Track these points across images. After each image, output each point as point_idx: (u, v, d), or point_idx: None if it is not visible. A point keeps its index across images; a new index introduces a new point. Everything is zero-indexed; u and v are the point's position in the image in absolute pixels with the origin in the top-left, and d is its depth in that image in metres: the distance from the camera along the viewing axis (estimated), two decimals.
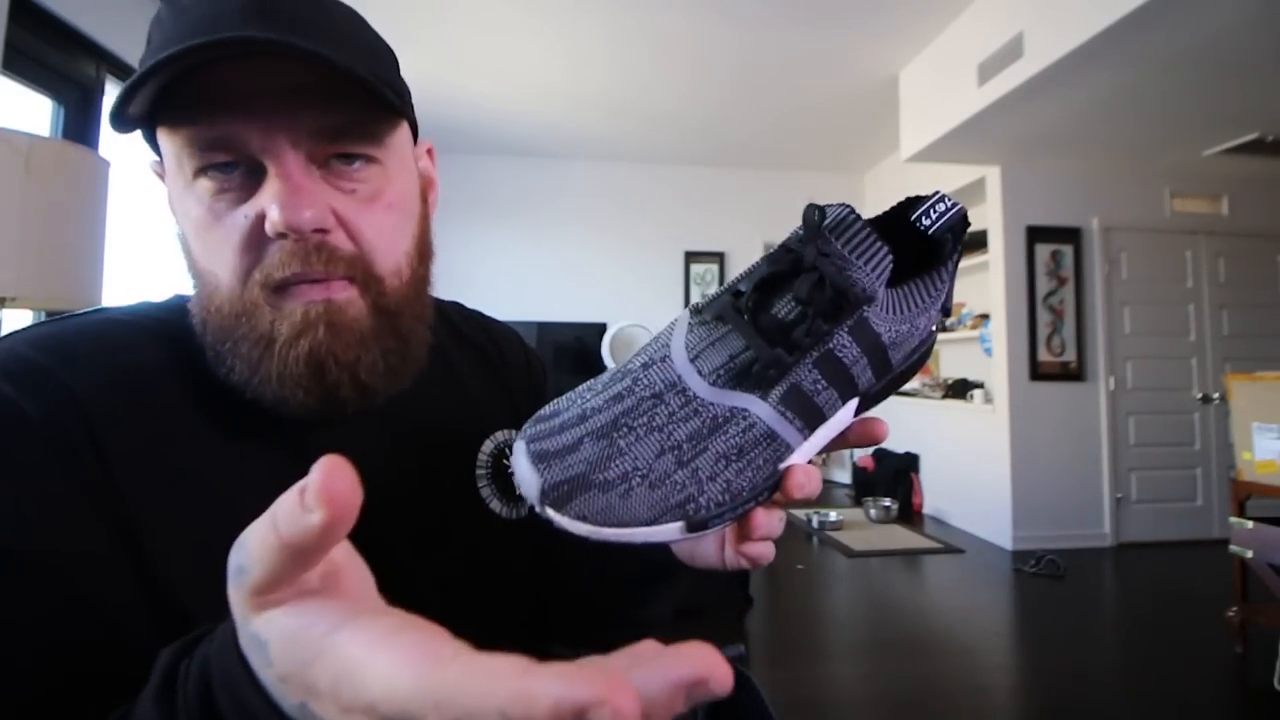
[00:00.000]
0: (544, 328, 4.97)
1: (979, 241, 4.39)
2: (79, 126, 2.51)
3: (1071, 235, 4.03)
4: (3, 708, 0.31)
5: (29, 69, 2.29)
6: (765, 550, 0.37)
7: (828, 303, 0.32)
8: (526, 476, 0.32)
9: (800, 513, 4.28)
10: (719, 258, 5.41)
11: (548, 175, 5.20)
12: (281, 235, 0.38)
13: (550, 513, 0.32)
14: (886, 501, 4.50)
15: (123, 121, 0.39)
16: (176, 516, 0.38)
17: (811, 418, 0.34)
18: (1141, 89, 2.92)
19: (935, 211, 0.35)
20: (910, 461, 4.86)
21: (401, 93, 0.42)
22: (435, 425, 0.51)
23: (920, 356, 0.38)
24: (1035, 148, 3.68)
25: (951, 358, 5.03)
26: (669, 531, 0.32)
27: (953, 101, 3.30)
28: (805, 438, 0.34)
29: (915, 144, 3.68)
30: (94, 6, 2.49)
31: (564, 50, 3.48)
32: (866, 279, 0.32)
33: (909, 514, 4.68)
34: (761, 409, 0.33)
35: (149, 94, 0.37)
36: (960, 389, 4.51)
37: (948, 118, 3.36)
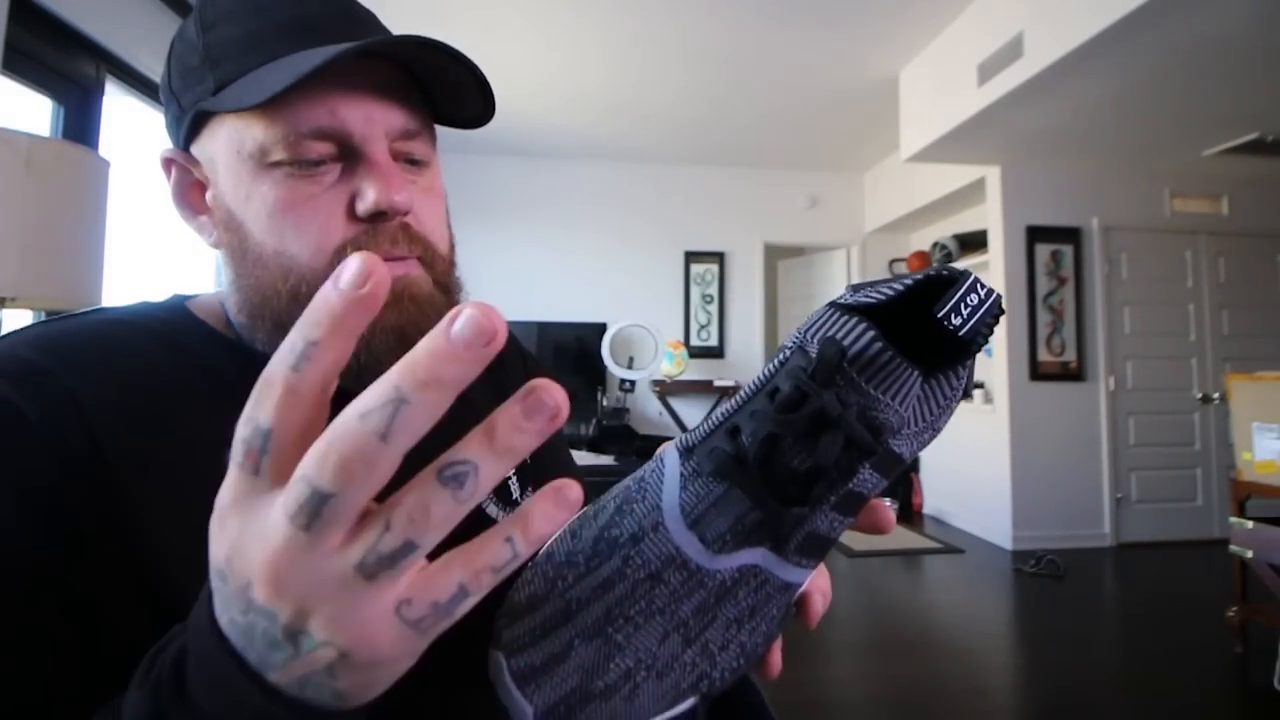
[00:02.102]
0: (544, 328, 4.97)
1: (979, 241, 4.40)
2: (79, 126, 2.51)
3: (1071, 235, 4.03)
4: None
5: (29, 69, 2.29)
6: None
7: (855, 458, 0.27)
8: (518, 706, 0.27)
9: None
10: (719, 258, 5.41)
11: (547, 175, 5.20)
12: (376, 215, 0.42)
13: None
14: (887, 501, 4.50)
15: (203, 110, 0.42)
16: (176, 520, 0.36)
17: (824, 552, 0.30)
18: (1141, 89, 2.92)
19: (967, 306, 0.27)
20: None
21: (488, 93, 0.47)
22: (440, 429, 0.48)
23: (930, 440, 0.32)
24: (1035, 148, 3.68)
25: None
26: (681, 709, 0.29)
27: (953, 101, 3.30)
28: (815, 566, 0.31)
29: (915, 144, 3.68)
30: (94, 6, 2.50)
31: (564, 50, 3.48)
32: (895, 416, 0.27)
33: (909, 514, 4.68)
34: (773, 563, 0.28)
35: (282, 80, 0.38)
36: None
37: (948, 118, 3.36)
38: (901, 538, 4.07)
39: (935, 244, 4.72)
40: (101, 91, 2.63)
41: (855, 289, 0.29)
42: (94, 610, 0.34)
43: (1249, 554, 2.17)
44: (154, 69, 2.88)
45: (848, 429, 0.26)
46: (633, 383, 4.78)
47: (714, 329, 5.38)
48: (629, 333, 4.91)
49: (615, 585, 0.28)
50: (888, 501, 4.48)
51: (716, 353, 5.37)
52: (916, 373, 0.27)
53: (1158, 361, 4.10)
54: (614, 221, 5.25)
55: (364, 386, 0.32)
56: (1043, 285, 3.99)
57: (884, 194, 5.26)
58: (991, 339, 0.30)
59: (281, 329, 0.39)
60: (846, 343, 0.27)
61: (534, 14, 3.15)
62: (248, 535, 0.21)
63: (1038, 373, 3.96)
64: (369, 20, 0.46)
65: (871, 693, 2.18)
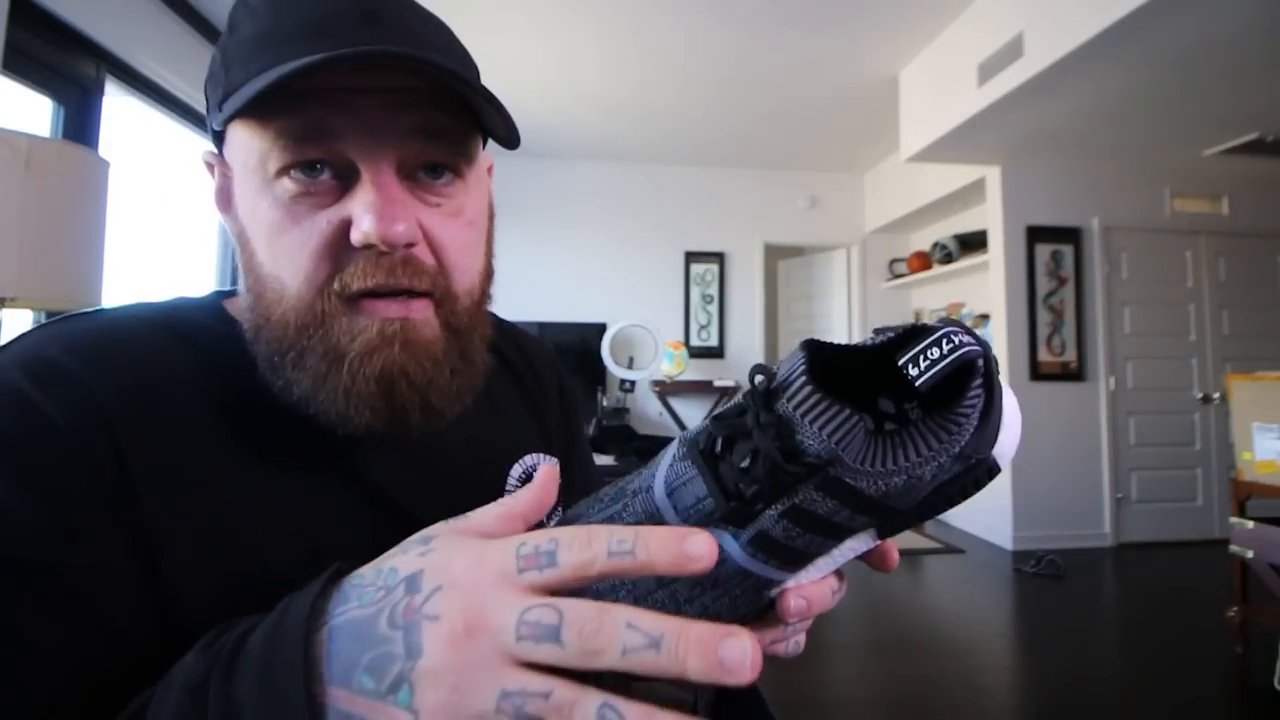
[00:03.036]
0: (544, 327, 4.97)
1: (979, 241, 4.40)
2: (79, 126, 2.51)
3: (1071, 235, 4.03)
4: (12, 715, 0.31)
5: (29, 69, 2.29)
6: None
7: (768, 471, 0.29)
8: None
9: None
10: (719, 258, 5.41)
11: (548, 175, 5.20)
12: (369, 246, 0.37)
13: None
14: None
15: (220, 116, 0.39)
16: (196, 532, 0.37)
17: (789, 559, 0.31)
18: (1141, 89, 2.92)
19: (927, 358, 0.27)
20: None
21: (503, 111, 0.40)
22: (469, 446, 0.50)
23: (961, 489, 0.31)
24: (1035, 148, 3.68)
25: None
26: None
27: (953, 101, 3.30)
28: (791, 574, 0.32)
29: (915, 144, 3.68)
30: (94, 6, 2.49)
31: (563, 51, 3.48)
32: (818, 444, 0.28)
33: None
34: (731, 546, 0.30)
35: (254, 89, 0.36)
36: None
37: (948, 118, 3.36)
38: (902, 537, 4.04)
39: (935, 244, 4.72)
40: (101, 91, 2.63)
41: (876, 332, 0.31)
42: (106, 621, 0.34)
43: (1249, 554, 2.17)
44: (154, 69, 2.88)
45: (758, 442, 0.29)
46: (633, 383, 4.78)
47: (714, 329, 5.38)
48: (629, 333, 4.91)
49: (614, 523, 0.32)
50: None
51: (716, 353, 5.37)
52: (842, 409, 0.28)
53: (1158, 361, 4.10)
54: (614, 221, 5.25)
55: (341, 423, 0.38)
56: (1043, 285, 3.99)
57: (884, 194, 5.26)
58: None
59: (270, 356, 0.39)
60: (779, 372, 0.29)
61: (534, 13, 3.15)
62: (463, 550, 0.27)
63: (1038, 373, 3.96)
64: (397, 20, 0.40)
65: (871, 693, 2.18)
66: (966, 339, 0.28)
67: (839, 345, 0.30)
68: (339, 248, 0.38)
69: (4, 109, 2.28)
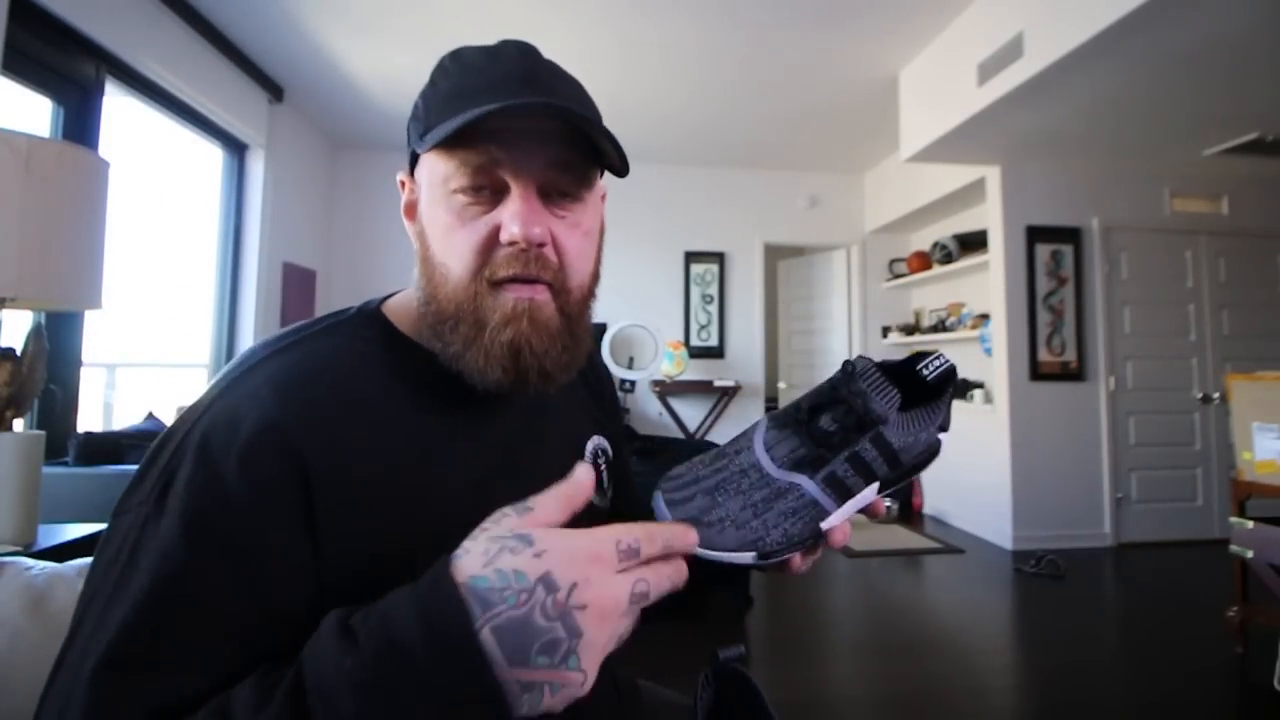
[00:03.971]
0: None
1: (979, 241, 4.39)
2: (79, 127, 2.51)
3: (1071, 235, 4.03)
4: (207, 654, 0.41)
5: (29, 69, 2.29)
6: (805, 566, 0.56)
7: (854, 423, 0.50)
8: (663, 513, 0.49)
9: None
10: (719, 258, 5.41)
11: None
12: (513, 243, 0.51)
13: (759, 561, 0.50)
14: (887, 501, 4.48)
15: (422, 146, 0.53)
16: (357, 514, 0.48)
17: (842, 494, 0.51)
18: (1141, 89, 2.92)
19: (932, 367, 0.53)
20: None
21: (620, 150, 0.54)
22: (559, 419, 0.67)
23: (927, 458, 0.54)
24: (1035, 148, 3.68)
25: (951, 358, 5.01)
26: (746, 557, 0.49)
27: (953, 101, 3.30)
28: (839, 506, 0.51)
29: (915, 144, 3.68)
30: (94, 6, 2.49)
31: (563, 51, 3.48)
32: (880, 408, 0.50)
33: (909, 514, 4.68)
34: (810, 485, 0.50)
35: (451, 128, 0.49)
36: (960, 389, 4.51)
37: (948, 118, 3.36)
38: (902, 538, 4.07)
39: (935, 244, 4.72)
40: (101, 92, 2.62)
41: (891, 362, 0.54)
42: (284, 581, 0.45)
43: (1249, 554, 2.17)
44: (154, 69, 2.88)
45: (849, 402, 0.50)
46: (633, 383, 4.78)
47: (714, 329, 5.38)
48: (629, 333, 4.91)
49: (722, 473, 0.50)
50: (887, 502, 4.48)
51: (716, 353, 5.37)
52: (895, 390, 0.50)
53: (1158, 361, 4.10)
54: (614, 221, 5.21)
55: (480, 379, 0.52)
56: (1043, 285, 3.99)
57: (884, 194, 5.26)
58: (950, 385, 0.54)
59: (434, 330, 0.54)
60: (858, 365, 0.51)
61: (532, 16, 3.16)
62: (574, 548, 0.38)
63: (1038, 373, 3.95)
64: (548, 82, 0.54)
65: (871, 693, 2.17)
66: (947, 358, 0.53)
67: (879, 361, 0.52)
68: (491, 245, 0.52)
69: (4, 109, 2.28)
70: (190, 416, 0.48)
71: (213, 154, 3.71)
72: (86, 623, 0.42)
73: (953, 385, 0.54)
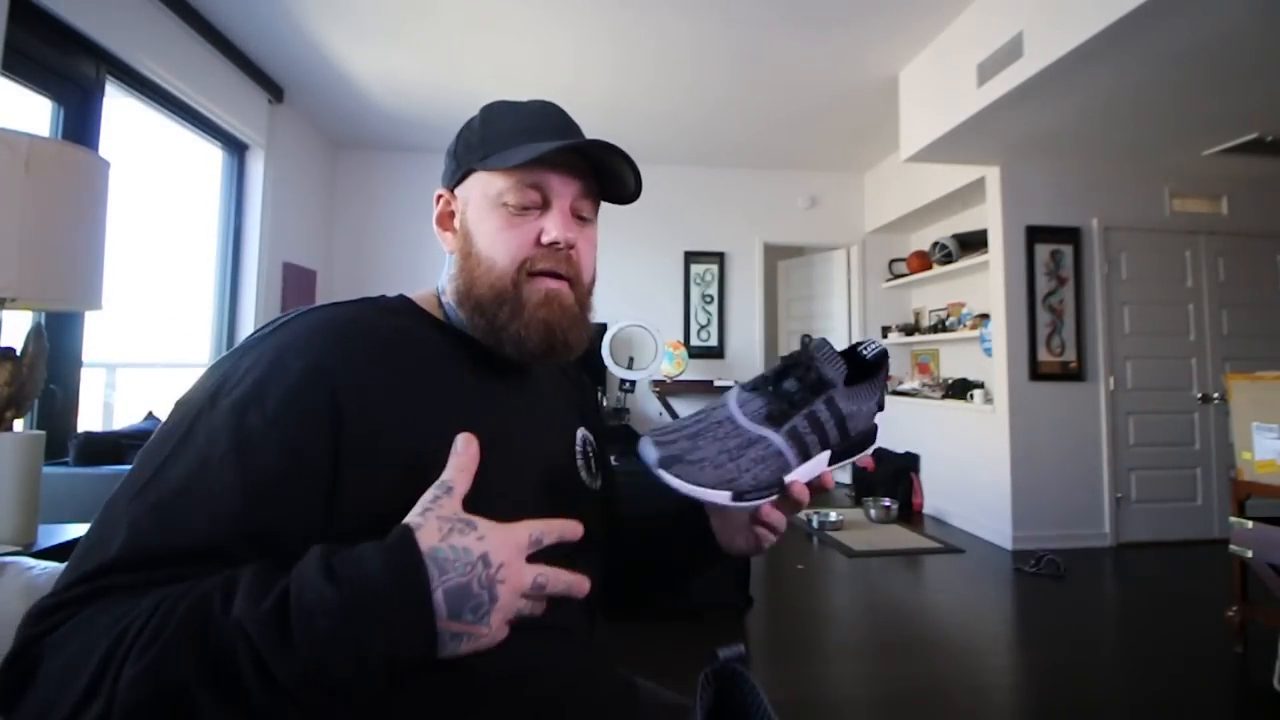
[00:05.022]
0: None
1: (979, 241, 4.40)
2: (79, 127, 2.51)
3: (1071, 235, 4.03)
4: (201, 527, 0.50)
5: (29, 69, 2.29)
6: (776, 527, 0.69)
7: (811, 384, 0.63)
8: (650, 452, 0.59)
9: (801, 513, 4.28)
10: (719, 258, 5.41)
11: None
12: (552, 245, 0.66)
13: (660, 471, 0.58)
14: (886, 501, 4.50)
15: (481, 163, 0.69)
16: (400, 451, 0.57)
17: (802, 449, 0.62)
18: (1141, 89, 2.92)
19: (870, 348, 0.66)
20: (910, 461, 4.86)
21: (639, 177, 0.70)
22: (556, 407, 0.80)
23: (866, 437, 0.67)
24: (1035, 148, 3.68)
25: (951, 358, 5.03)
26: (723, 496, 0.58)
27: (953, 101, 3.30)
28: (798, 463, 0.62)
29: (915, 144, 3.68)
30: (94, 6, 2.49)
31: (563, 51, 3.48)
32: (831, 374, 0.63)
33: (909, 514, 4.68)
34: (775, 437, 0.61)
35: (521, 157, 0.65)
36: (960, 389, 4.50)
37: (948, 118, 3.36)
38: (902, 538, 4.07)
39: (935, 244, 4.72)
40: (101, 92, 2.62)
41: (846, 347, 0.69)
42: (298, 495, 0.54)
43: (1249, 554, 2.17)
44: (154, 69, 2.88)
45: (806, 366, 0.63)
46: (633, 383, 4.78)
47: (714, 329, 5.38)
48: (629, 333, 4.91)
49: (702, 423, 0.62)
50: (886, 501, 4.48)
51: (716, 353, 5.37)
52: (843, 362, 0.64)
53: (1158, 361, 4.10)
54: (614, 221, 5.25)
55: (518, 348, 0.67)
56: (1042, 285, 3.99)
57: (884, 194, 5.26)
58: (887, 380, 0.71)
59: (477, 309, 0.67)
60: (815, 341, 0.64)
61: (534, 15, 3.15)
62: (503, 539, 0.50)
63: (1038, 373, 3.95)
64: (576, 129, 0.73)
65: (871, 693, 2.18)
66: (881, 344, 0.67)
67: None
68: (532, 245, 0.67)
69: (4, 109, 2.28)
70: (241, 351, 0.59)
71: (213, 154, 3.71)
72: (140, 471, 0.52)
73: (886, 367, 0.67)
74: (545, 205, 0.67)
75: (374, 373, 0.59)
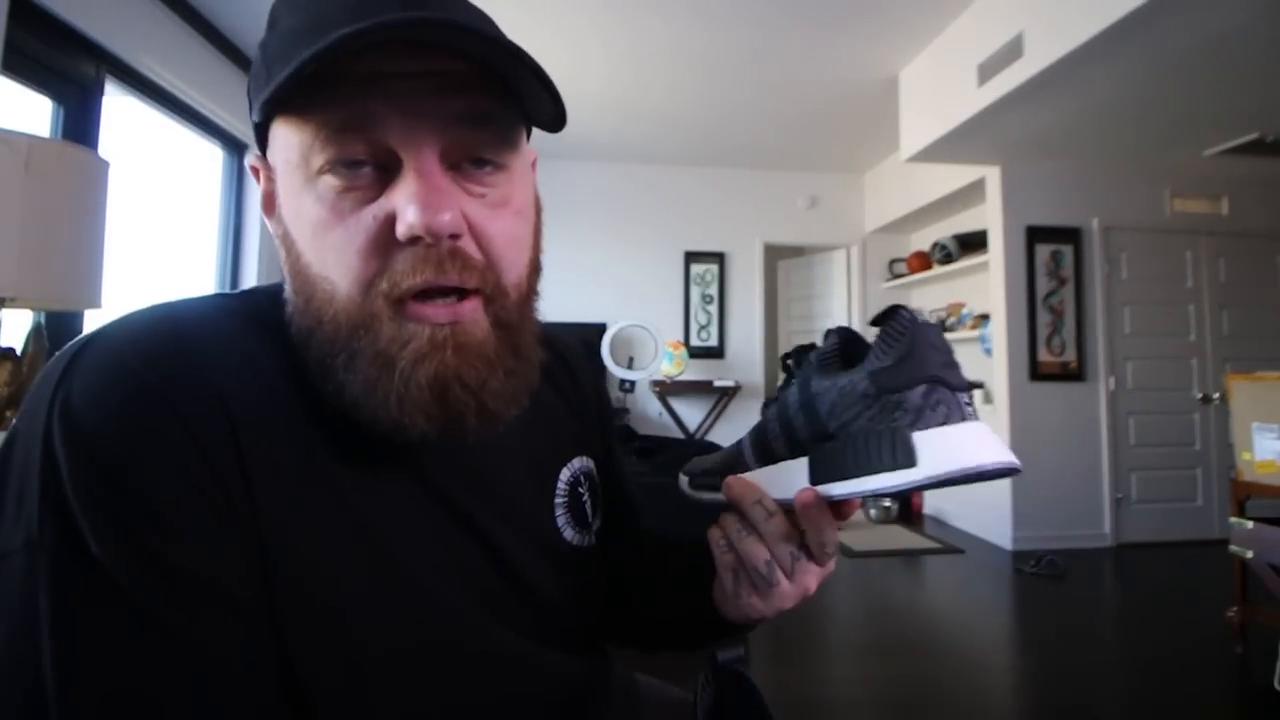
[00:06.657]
0: (544, 328, 4.97)
1: (979, 241, 4.39)
2: (79, 126, 2.51)
3: (1071, 235, 4.03)
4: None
5: (29, 69, 2.29)
6: (758, 571, 0.48)
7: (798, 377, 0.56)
8: (685, 485, 0.57)
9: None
10: (719, 258, 5.41)
11: (548, 176, 5.18)
12: (415, 239, 0.36)
13: (690, 490, 0.56)
14: (886, 502, 4.50)
15: (263, 109, 0.37)
16: (316, 542, 0.37)
17: (764, 452, 0.54)
18: (1142, 89, 2.91)
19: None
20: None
21: (554, 90, 0.38)
22: (521, 450, 0.52)
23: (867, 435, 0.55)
24: (1035, 148, 3.68)
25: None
26: (683, 480, 0.58)
27: (953, 101, 3.29)
28: (758, 465, 0.53)
29: (915, 144, 3.68)
30: (94, 6, 2.49)
31: (563, 51, 3.48)
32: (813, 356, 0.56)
33: (909, 514, 4.68)
34: (745, 443, 0.55)
35: (290, 70, 0.33)
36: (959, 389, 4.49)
37: (948, 118, 3.36)
38: (901, 538, 4.07)
39: (935, 244, 4.72)
40: (101, 91, 2.62)
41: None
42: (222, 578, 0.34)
43: (1249, 554, 2.17)
44: (154, 69, 2.88)
45: (796, 360, 0.55)
46: (633, 383, 4.78)
47: (714, 329, 5.38)
48: (629, 333, 4.91)
49: (720, 464, 0.55)
50: (886, 501, 4.48)
51: (716, 353, 5.37)
52: (835, 340, 0.57)
53: (1158, 361, 4.10)
54: (614, 221, 5.25)
55: (396, 430, 0.38)
56: (1043, 285, 3.99)
57: (884, 194, 5.26)
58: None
59: (322, 359, 0.38)
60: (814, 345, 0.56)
61: (534, 13, 3.15)
62: None
63: (1038, 373, 3.95)
64: (438, 3, 0.37)
65: (871, 693, 2.17)
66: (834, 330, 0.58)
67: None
68: (386, 244, 0.37)
69: (4, 109, 2.28)
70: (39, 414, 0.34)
71: (213, 154, 3.71)
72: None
73: (902, 333, 0.56)
74: (388, 162, 0.37)
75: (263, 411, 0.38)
